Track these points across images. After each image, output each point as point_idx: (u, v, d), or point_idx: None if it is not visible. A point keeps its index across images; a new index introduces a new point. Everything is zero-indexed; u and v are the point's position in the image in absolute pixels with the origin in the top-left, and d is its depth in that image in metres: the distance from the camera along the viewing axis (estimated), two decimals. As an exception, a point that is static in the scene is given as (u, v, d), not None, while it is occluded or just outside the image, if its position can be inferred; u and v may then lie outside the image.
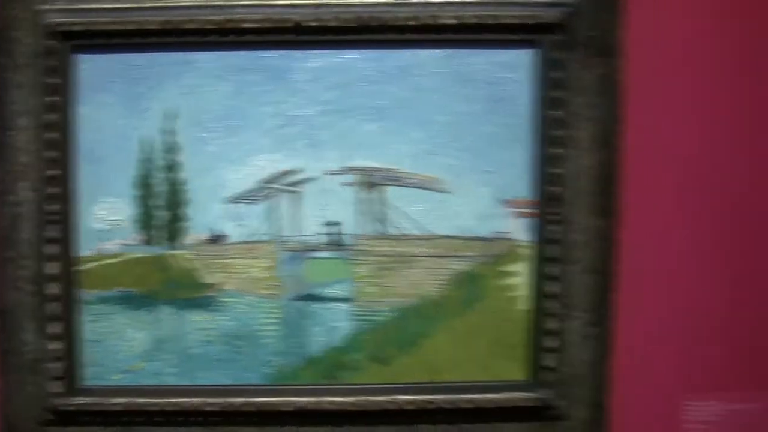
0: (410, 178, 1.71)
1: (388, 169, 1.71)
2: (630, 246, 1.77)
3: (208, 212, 1.71)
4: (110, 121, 1.70)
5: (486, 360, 1.76)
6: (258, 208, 1.72)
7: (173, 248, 1.72)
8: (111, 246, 1.72)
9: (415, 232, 1.73)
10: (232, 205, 1.71)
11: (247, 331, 1.74)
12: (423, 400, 1.75)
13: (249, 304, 1.73)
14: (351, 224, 1.73)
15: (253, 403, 1.75)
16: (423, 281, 1.74)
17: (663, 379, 1.82)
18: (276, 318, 1.74)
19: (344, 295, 1.74)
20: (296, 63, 1.70)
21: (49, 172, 1.69)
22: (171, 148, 1.70)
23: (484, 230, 1.73)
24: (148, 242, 1.72)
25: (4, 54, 1.67)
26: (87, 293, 1.73)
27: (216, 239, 1.72)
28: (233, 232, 1.72)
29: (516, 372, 1.76)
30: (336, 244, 1.73)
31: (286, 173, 1.71)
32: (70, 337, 1.72)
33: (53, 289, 1.71)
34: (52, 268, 1.70)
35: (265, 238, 1.73)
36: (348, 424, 1.76)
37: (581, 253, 1.74)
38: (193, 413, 1.75)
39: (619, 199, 1.74)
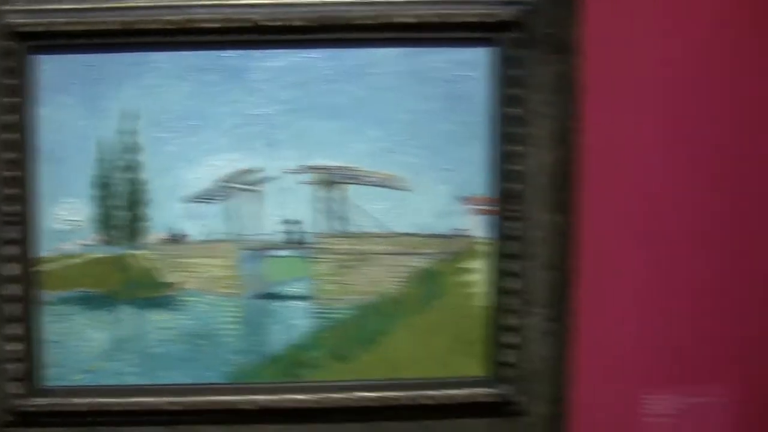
0: (369, 177, 1.72)
1: (347, 168, 1.72)
2: (589, 242, 1.78)
3: (168, 212, 1.72)
4: (70, 121, 1.70)
5: (446, 356, 1.77)
6: (217, 208, 1.72)
7: (133, 248, 1.73)
8: (71, 246, 1.72)
9: (375, 230, 1.74)
10: (192, 205, 1.71)
11: (208, 329, 1.75)
12: (384, 397, 1.76)
13: (209, 303, 1.74)
14: (310, 223, 1.73)
15: (215, 402, 1.76)
16: (382, 279, 1.75)
17: (622, 374, 1.83)
18: (236, 317, 1.75)
19: (304, 293, 1.75)
20: (255, 63, 1.70)
21: (8, 173, 1.69)
22: (130, 148, 1.71)
23: (443, 227, 1.74)
24: (108, 242, 1.72)
25: (-39, 55, 1.67)
26: (47, 294, 1.73)
27: (176, 239, 1.72)
28: (193, 231, 1.73)
29: (476, 368, 1.78)
30: (295, 242, 1.74)
31: (245, 172, 1.71)
32: (30, 338, 1.73)
33: (13, 290, 1.71)
34: (12, 269, 1.70)
35: (224, 237, 1.73)
36: (310, 422, 1.77)
37: (540, 249, 1.75)
38: (155, 413, 1.75)
39: (578, 196, 1.75)
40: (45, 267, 1.71)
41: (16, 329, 1.71)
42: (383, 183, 1.72)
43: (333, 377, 1.76)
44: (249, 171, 1.71)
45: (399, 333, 1.76)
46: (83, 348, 1.74)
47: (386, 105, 1.71)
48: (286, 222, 1.72)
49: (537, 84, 1.73)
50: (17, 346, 1.71)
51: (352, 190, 1.72)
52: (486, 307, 1.76)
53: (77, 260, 1.72)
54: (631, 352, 1.82)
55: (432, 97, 1.72)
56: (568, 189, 1.74)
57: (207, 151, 1.70)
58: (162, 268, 1.73)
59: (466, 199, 1.74)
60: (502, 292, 1.76)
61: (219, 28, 1.68)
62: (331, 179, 1.72)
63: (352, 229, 1.74)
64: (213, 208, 1.72)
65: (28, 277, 1.71)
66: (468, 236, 1.75)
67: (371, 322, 1.75)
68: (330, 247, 1.74)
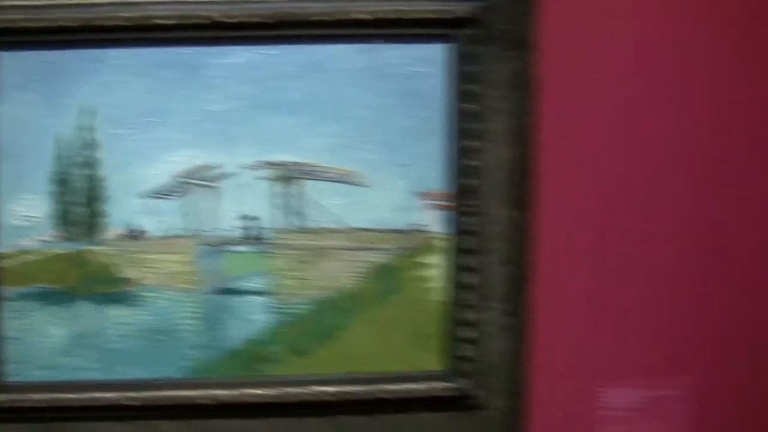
0: (327, 172, 1.73)
1: (304, 164, 1.73)
2: (547, 237, 1.79)
3: (126, 208, 1.72)
4: (29, 118, 1.70)
5: (404, 351, 1.78)
6: (176, 204, 1.73)
7: (92, 244, 1.73)
8: (29, 243, 1.72)
9: (333, 226, 1.75)
10: (150, 201, 1.72)
11: (167, 325, 1.75)
12: (342, 392, 1.77)
13: (168, 298, 1.75)
14: (268, 218, 1.74)
15: (175, 397, 1.76)
16: (340, 274, 1.76)
17: (580, 368, 1.84)
18: (195, 312, 1.75)
19: (262, 288, 1.76)
20: (212, 59, 1.71)
21: (-33, 170, 1.69)
22: (89, 145, 1.71)
23: (401, 223, 1.75)
24: (66, 238, 1.73)
25: None
26: (6, 290, 1.73)
27: (134, 235, 1.73)
28: (151, 227, 1.73)
29: (434, 363, 1.79)
30: (254, 238, 1.74)
31: (203, 168, 1.72)
32: (-12, 334, 1.73)
33: (-28, 287, 1.71)
34: (-29, 266, 1.71)
35: (183, 232, 1.74)
36: (269, 416, 1.77)
37: (497, 244, 1.76)
38: (115, 408, 1.76)
39: (535, 191, 1.76)
40: (3, 263, 1.71)
41: (-26, 326, 1.71)
42: (341, 179, 1.73)
43: (291, 372, 1.77)
44: (207, 167, 1.72)
45: (357, 328, 1.77)
46: (42, 344, 1.74)
47: (343, 101, 1.72)
48: (244, 218, 1.73)
49: (494, 80, 1.74)
50: (-24, 343, 1.72)
51: (309, 186, 1.73)
52: (444, 301, 1.77)
53: (36, 256, 1.72)
54: (588, 346, 1.84)
55: (389, 93, 1.73)
56: (525, 185, 1.76)
57: (165, 147, 1.71)
58: (120, 264, 1.73)
59: (424, 195, 1.75)
60: (459, 286, 1.77)
61: (176, 24, 1.68)
62: (288, 175, 1.73)
63: (310, 224, 1.74)
64: (171, 204, 1.72)
65: (-13, 273, 1.71)
66: (425, 231, 1.76)
67: (329, 317, 1.76)
68: (288, 242, 1.75)
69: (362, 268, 1.76)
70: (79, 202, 1.71)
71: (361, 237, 1.75)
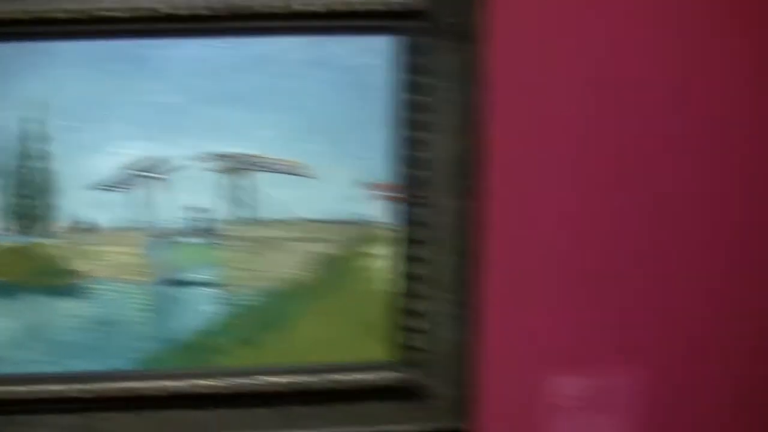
0: (275, 164, 1.74)
1: (252, 155, 1.74)
2: (497, 227, 1.80)
3: (76, 200, 1.72)
4: (-21, 111, 1.70)
5: (353, 341, 1.79)
6: (125, 196, 1.73)
7: (41, 237, 1.73)
8: (-21, 235, 1.73)
9: (281, 217, 1.75)
10: (100, 193, 1.72)
11: (117, 317, 1.76)
12: (292, 382, 1.78)
13: (118, 290, 1.75)
14: (217, 210, 1.75)
15: (125, 389, 1.77)
16: (289, 265, 1.77)
17: (530, 357, 1.85)
18: (145, 304, 1.76)
19: (212, 279, 1.76)
20: (161, 51, 1.71)
21: None
22: (38, 138, 1.71)
23: (349, 214, 1.76)
24: (16, 231, 1.73)
25: None
26: (-45, 283, 1.73)
27: (84, 227, 1.73)
28: (101, 219, 1.73)
29: (383, 353, 1.80)
30: (203, 229, 1.75)
31: (152, 160, 1.72)
32: (-63, 326, 1.73)
33: None
34: None
35: (132, 225, 1.74)
36: (220, 407, 1.78)
37: (446, 234, 1.77)
38: (65, 400, 1.76)
39: (484, 182, 1.77)
40: (-47, 256, 1.72)
41: None
42: (289, 170, 1.74)
43: (241, 363, 1.77)
44: (156, 159, 1.72)
45: (306, 318, 1.78)
46: (-8, 337, 1.75)
47: (292, 93, 1.73)
48: (193, 209, 1.74)
49: (442, 72, 1.75)
50: (-76, 335, 1.72)
51: (258, 178, 1.74)
52: (393, 292, 1.78)
53: (-15, 249, 1.73)
54: (538, 336, 1.85)
55: (338, 84, 1.74)
56: (474, 176, 1.77)
57: (114, 139, 1.71)
58: (70, 256, 1.74)
59: (372, 186, 1.76)
60: (409, 277, 1.78)
61: (125, 17, 1.68)
62: (237, 167, 1.73)
63: (259, 216, 1.75)
64: (120, 196, 1.73)
65: (-64, 266, 1.71)
66: (374, 222, 1.77)
67: (278, 307, 1.77)
68: (236, 234, 1.75)
69: (311, 258, 1.77)
70: (29, 195, 1.72)
71: (310, 228, 1.76)
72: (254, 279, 1.76)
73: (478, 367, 1.81)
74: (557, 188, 1.82)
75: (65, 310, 1.75)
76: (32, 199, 1.72)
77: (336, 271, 1.78)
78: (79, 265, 1.74)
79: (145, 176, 1.72)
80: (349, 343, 1.79)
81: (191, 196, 1.74)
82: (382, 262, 1.78)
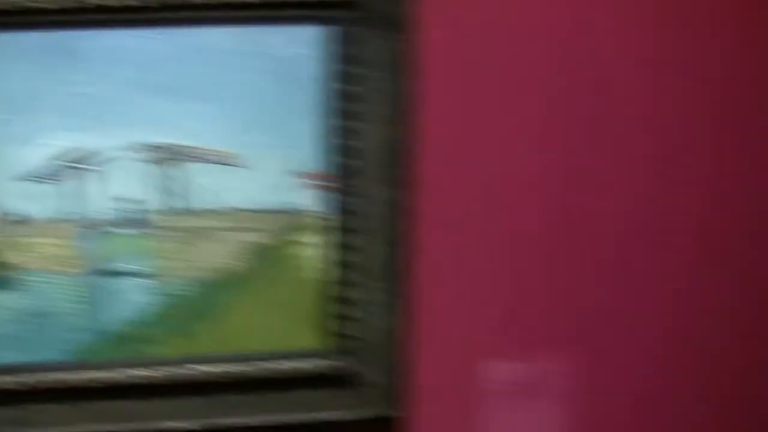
0: (207, 154, 1.75)
1: (184, 146, 1.74)
2: (430, 215, 1.81)
3: (7, 192, 1.72)
4: None
5: (287, 330, 1.80)
6: (56, 187, 1.73)
7: (-28, 229, 1.73)
8: None
9: (213, 207, 1.76)
10: (31, 185, 1.72)
11: (50, 308, 1.76)
12: (226, 371, 1.78)
13: (50, 282, 1.75)
14: (149, 200, 1.75)
15: (61, 380, 1.76)
16: (221, 254, 1.78)
17: (464, 343, 1.87)
18: (77, 295, 1.76)
19: (144, 270, 1.77)
20: (92, 42, 1.71)
21: None
22: (-32, 130, 1.71)
23: (281, 203, 1.77)
24: (-54, 224, 1.73)
25: None
26: None
27: (15, 219, 1.73)
28: (32, 211, 1.73)
29: (317, 341, 1.81)
30: (135, 220, 1.75)
31: (83, 152, 1.72)
32: None
33: None
34: None
35: (64, 216, 1.74)
36: (154, 397, 1.78)
37: (378, 223, 1.79)
38: (1, 392, 1.76)
39: (415, 171, 1.79)
40: None
41: None
42: (220, 160, 1.74)
43: (175, 352, 1.78)
44: (87, 150, 1.72)
45: (239, 308, 1.79)
46: (-76, 330, 1.74)
47: (224, 83, 1.74)
48: (125, 200, 1.74)
49: (373, 61, 1.76)
50: None
51: (189, 168, 1.74)
52: (325, 280, 1.79)
53: None
54: (471, 323, 1.86)
55: (269, 75, 1.75)
56: (405, 165, 1.78)
57: (44, 130, 1.71)
58: (1, 248, 1.73)
59: (304, 175, 1.77)
60: (341, 265, 1.79)
61: (54, 9, 1.68)
62: (168, 157, 1.74)
63: (191, 206, 1.76)
64: (52, 188, 1.72)
65: None
66: (306, 211, 1.78)
67: (212, 297, 1.78)
68: (169, 224, 1.76)
69: (243, 248, 1.78)
70: (-41, 188, 1.71)
71: (242, 217, 1.76)
72: (187, 269, 1.77)
73: (411, 355, 1.83)
74: (488, 176, 1.84)
75: (-2, 302, 1.75)
76: (-38, 191, 1.71)
77: (268, 261, 1.78)
78: (11, 257, 1.74)
79: (76, 167, 1.72)
80: (282, 332, 1.80)
81: (123, 186, 1.74)
82: (314, 251, 1.79)
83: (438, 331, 1.84)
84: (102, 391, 1.77)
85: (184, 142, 1.74)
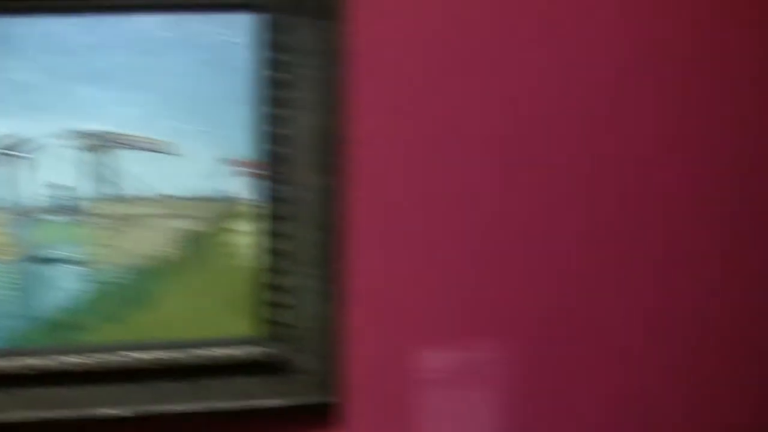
0: (139, 142, 1.75)
1: (114, 133, 1.75)
2: (362, 202, 1.82)
3: (-62, 180, 1.73)
4: None
5: (219, 317, 1.81)
6: (-12, 174, 1.74)
7: None
8: None
9: (144, 194, 1.77)
10: (-38, 172, 1.73)
11: (-18, 296, 1.77)
12: (159, 357, 1.79)
13: (-18, 269, 1.76)
14: (82, 187, 1.76)
15: (-7, 367, 1.77)
16: (154, 242, 1.78)
17: (398, 331, 1.88)
18: (10, 282, 1.76)
19: (76, 257, 1.77)
20: (20, 29, 1.72)
21: None
22: None
23: (212, 190, 1.78)
24: None
25: None
26: None
27: (-53, 206, 1.74)
28: (-36, 198, 1.74)
29: (249, 328, 1.82)
30: (67, 207, 1.76)
31: (14, 138, 1.73)
32: None
33: None
34: None
35: (-5, 203, 1.75)
36: (87, 384, 1.79)
37: (310, 210, 1.80)
38: (-67, 380, 1.76)
39: (347, 158, 1.80)
40: None
41: None
42: (151, 147, 1.75)
43: (108, 339, 1.79)
44: (18, 137, 1.73)
45: (172, 295, 1.79)
46: None
47: (155, 70, 1.75)
48: (57, 187, 1.75)
49: (305, 49, 1.77)
50: None
51: (120, 155, 1.75)
52: (258, 268, 1.80)
53: None
54: (406, 310, 1.88)
55: (200, 62, 1.76)
56: (337, 152, 1.79)
57: (-25, 118, 1.72)
58: (-67, 235, 1.74)
59: (235, 162, 1.78)
60: (273, 253, 1.80)
61: (-15, -4, 1.69)
62: (99, 144, 1.75)
63: (122, 193, 1.76)
64: (-17, 175, 1.73)
65: None
66: (238, 199, 1.79)
67: (144, 284, 1.79)
68: (101, 211, 1.77)
69: (175, 235, 1.78)
70: None
71: (173, 205, 1.77)
72: (120, 256, 1.78)
73: (344, 342, 1.83)
74: (422, 163, 1.86)
75: (-72, 290, 1.75)
76: None
77: (200, 248, 1.79)
78: (-57, 244, 1.75)
79: (8, 154, 1.73)
80: (215, 319, 1.81)
81: (55, 174, 1.75)
82: (246, 238, 1.80)
83: (371, 317, 1.85)
84: (35, 378, 1.77)
85: (117, 130, 1.74)
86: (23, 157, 1.73)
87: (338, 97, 1.78)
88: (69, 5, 1.71)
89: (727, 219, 1.97)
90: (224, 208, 1.79)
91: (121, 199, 1.77)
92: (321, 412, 1.85)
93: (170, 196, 1.77)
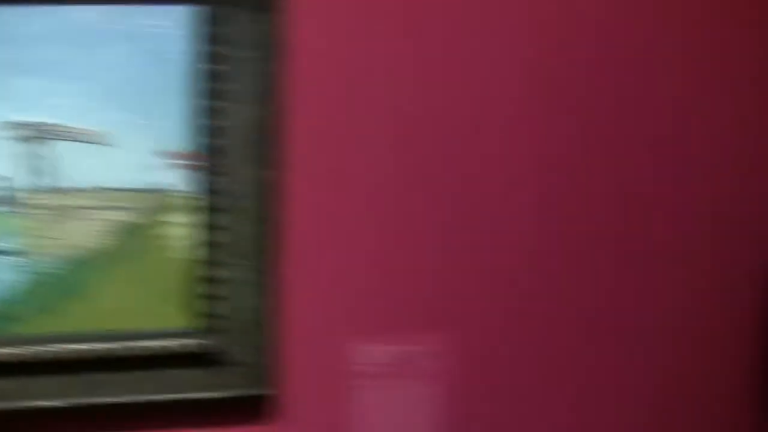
0: (74, 133, 1.75)
1: (50, 124, 1.75)
2: (300, 195, 1.83)
3: None
4: None
5: (155, 308, 1.81)
6: (-77, 165, 1.73)
7: None
8: None
9: (80, 186, 1.77)
10: None
11: None
12: (94, 349, 1.79)
13: None
14: (17, 178, 1.75)
15: (-75, 359, 1.76)
16: (89, 233, 1.78)
17: (333, 324, 1.89)
18: (-57, 272, 1.76)
19: (12, 248, 1.77)
20: (-42, 20, 1.72)
21: None
22: None
23: (148, 182, 1.79)
24: None
25: None
26: None
27: None
28: None
29: (185, 320, 1.82)
30: (2, 198, 1.76)
31: (-50, 129, 1.73)
32: None
33: None
34: None
35: (-70, 194, 1.74)
36: (22, 375, 1.78)
37: (246, 202, 1.81)
38: None
39: (283, 151, 1.81)
40: None
41: None
42: (87, 139, 1.75)
43: (42, 331, 1.78)
44: (-47, 128, 1.72)
45: (108, 286, 1.79)
46: None
47: (92, 62, 1.75)
48: (-8, 178, 1.75)
49: (242, 41, 1.78)
50: None
51: (56, 146, 1.75)
52: (194, 260, 1.81)
53: None
54: (343, 303, 1.89)
55: (138, 54, 1.76)
56: (274, 144, 1.80)
57: None
58: None
59: (172, 154, 1.78)
60: (209, 245, 1.81)
61: None
62: (36, 135, 1.74)
63: (59, 184, 1.76)
64: None
65: None
66: (174, 190, 1.79)
67: (80, 275, 1.79)
68: (37, 202, 1.76)
69: (111, 227, 1.79)
70: None
71: (109, 196, 1.77)
72: (55, 247, 1.78)
73: (280, 334, 1.84)
74: (357, 156, 1.86)
75: None
76: None
77: (136, 239, 1.80)
78: None
79: (-58, 145, 1.72)
80: (150, 311, 1.81)
81: (-10, 164, 1.74)
82: (182, 230, 1.81)
83: (307, 310, 1.86)
84: (-33, 370, 1.77)
85: (52, 121, 1.74)
86: (-42, 147, 1.73)
87: (275, 89, 1.79)
88: (7, -5, 1.71)
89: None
90: (160, 199, 1.79)
91: (57, 191, 1.76)
92: (256, 405, 1.85)
93: (107, 188, 1.78)
